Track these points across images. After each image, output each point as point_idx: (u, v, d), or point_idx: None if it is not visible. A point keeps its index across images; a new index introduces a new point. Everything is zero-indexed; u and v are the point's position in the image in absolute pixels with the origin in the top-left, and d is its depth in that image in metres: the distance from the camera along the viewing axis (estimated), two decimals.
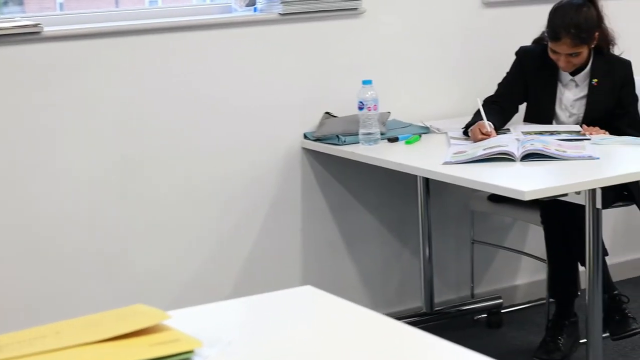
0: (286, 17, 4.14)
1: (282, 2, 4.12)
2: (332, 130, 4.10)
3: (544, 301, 4.28)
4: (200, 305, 2.16)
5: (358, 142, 3.99)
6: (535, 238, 4.57)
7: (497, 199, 4.14)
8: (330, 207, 4.34)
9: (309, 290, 2.20)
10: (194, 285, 4.13)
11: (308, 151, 4.24)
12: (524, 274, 4.79)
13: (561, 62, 4.04)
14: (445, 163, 3.60)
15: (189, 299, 3.93)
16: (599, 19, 4.08)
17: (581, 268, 3.91)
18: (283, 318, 2.08)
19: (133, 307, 1.90)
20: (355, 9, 4.26)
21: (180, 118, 4.03)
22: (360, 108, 3.96)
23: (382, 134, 4.02)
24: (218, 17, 4.14)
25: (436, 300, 4.47)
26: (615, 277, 4.60)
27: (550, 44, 4.04)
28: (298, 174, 4.26)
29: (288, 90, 4.20)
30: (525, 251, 4.63)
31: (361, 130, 3.97)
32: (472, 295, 4.61)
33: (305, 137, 4.21)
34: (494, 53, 4.51)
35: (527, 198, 3.21)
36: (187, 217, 4.09)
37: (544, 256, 4.17)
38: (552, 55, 4.06)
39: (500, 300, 4.56)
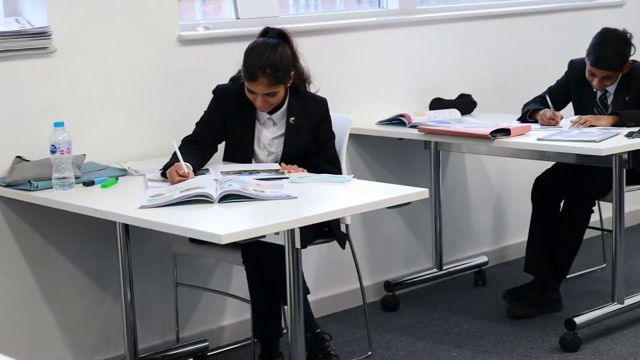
0: None
1: None
2: (23, 175, 3.91)
3: (250, 341, 4.25)
4: None
5: (52, 187, 3.82)
6: (239, 278, 4.53)
7: (199, 241, 4.07)
8: (25, 257, 4.12)
9: None
10: None
11: None
12: (230, 315, 4.74)
13: (258, 102, 4.04)
14: (142, 207, 3.50)
15: None
16: (294, 58, 4.11)
17: (285, 307, 3.90)
18: None
19: None
20: (45, 47, 4.08)
21: None
22: (53, 151, 3.79)
23: (77, 177, 3.87)
24: None
25: (141, 346, 4.34)
26: (321, 312, 4.66)
27: (246, 84, 4.03)
28: None
29: None
30: (230, 292, 4.58)
31: (54, 175, 3.81)
32: (178, 340, 4.51)
33: None
34: (193, 91, 4.47)
35: (224, 242, 3.15)
36: None
37: (249, 296, 4.14)
38: (249, 95, 4.05)
39: (206, 343, 4.50)
